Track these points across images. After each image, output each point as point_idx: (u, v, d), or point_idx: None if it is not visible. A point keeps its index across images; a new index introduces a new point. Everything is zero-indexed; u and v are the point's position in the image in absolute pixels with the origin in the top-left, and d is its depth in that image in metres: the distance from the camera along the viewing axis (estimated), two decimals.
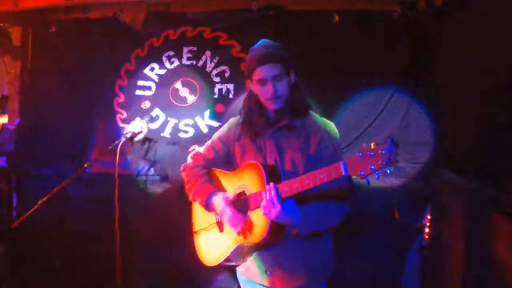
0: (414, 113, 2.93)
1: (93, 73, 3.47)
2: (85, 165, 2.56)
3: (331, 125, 1.87)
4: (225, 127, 2.01)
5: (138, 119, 2.86)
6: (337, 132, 1.86)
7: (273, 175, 1.73)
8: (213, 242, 1.95)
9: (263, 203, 1.64)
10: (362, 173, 1.42)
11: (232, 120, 2.01)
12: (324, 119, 1.90)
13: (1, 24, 3.56)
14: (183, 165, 2.07)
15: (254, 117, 1.87)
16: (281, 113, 1.82)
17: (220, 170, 2.01)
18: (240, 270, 1.97)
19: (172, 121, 3.30)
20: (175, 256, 2.83)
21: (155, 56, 3.37)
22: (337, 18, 2.94)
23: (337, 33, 2.97)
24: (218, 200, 1.86)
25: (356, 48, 2.96)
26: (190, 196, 1.98)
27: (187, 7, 3.33)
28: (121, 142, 2.59)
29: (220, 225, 1.92)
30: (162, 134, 3.30)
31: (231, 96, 3.22)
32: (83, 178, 2.84)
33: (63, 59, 3.53)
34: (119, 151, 2.54)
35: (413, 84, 2.92)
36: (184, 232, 2.21)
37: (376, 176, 1.41)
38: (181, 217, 2.68)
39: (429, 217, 2.63)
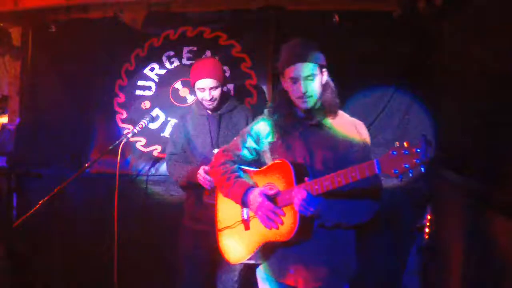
0: (414, 113, 2.92)
1: (93, 73, 3.45)
2: (85, 165, 2.56)
3: (361, 125, 1.88)
4: (254, 124, 1.99)
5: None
6: (367, 132, 1.87)
7: (301, 173, 1.73)
8: (238, 240, 1.94)
9: (296, 201, 1.65)
10: (397, 171, 1.43)
11: (261, 117, 1.99)
12: (354, 118, 1.90)
13: (1, 24, 3.56)
14: (210, 163, 2.08)
15: (283, 115, 1.86)
16: (311, 112, 1.81)
17: (246, 168, 1.99)
18: (260, 267, 1.97)
19: (172, 121, 3.29)
20: (175, 257, 2.82)
21: (155, 56, 3.36)
22: (337, 18, 2.94)
23: (337, 33, 2.96)
24: (255, 195, 1.81)
25: (356, 48, 2.95)
26: (224, 193, 1.95)
27: (187, 7, 3.32)
28: (122, 142, 2.58)
29: (245, 223, 1.91)
30: (162, 134, 3.30)
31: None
32: (83, 178, 2.84)
33: (63, 59, 3.51)
34: (120, 151, 2.53)
35: (413, 84, 2.92)
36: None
37: (410, 174, 1.42)
38: (181, 217, 2.71)
39: (429, 217, 2.63)
